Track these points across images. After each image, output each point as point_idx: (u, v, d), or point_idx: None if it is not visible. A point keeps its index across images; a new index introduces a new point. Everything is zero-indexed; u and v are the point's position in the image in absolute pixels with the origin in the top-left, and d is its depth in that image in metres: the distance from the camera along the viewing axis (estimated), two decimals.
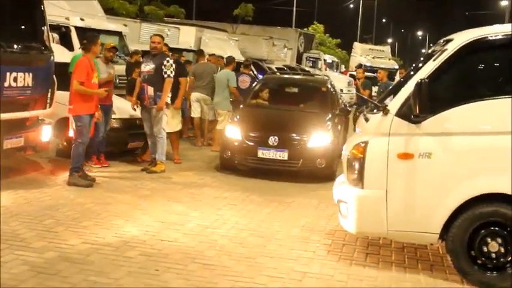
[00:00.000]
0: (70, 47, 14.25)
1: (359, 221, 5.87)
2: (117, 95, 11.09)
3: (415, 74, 5.88)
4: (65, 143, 10.25)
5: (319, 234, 7.10)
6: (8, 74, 8.13)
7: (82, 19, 15.89)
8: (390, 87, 8.17)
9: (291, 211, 8.19)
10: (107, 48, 10.62)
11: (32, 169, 9.55)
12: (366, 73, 18.59)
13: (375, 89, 15.82)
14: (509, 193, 5.41)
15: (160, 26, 22.03)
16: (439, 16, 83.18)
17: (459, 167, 5.57)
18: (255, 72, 19.79)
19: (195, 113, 13.59)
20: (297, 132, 10.44)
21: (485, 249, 5.55)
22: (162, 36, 10.62)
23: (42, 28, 9.19)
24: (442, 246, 6.23)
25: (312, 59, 37.22)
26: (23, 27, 9.35)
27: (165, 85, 9.92)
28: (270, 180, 10.05)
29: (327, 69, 36.30)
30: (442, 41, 6.31)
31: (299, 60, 35.99)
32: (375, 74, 17.22)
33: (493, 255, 5.54)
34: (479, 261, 5.58)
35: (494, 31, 5.93)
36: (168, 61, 10.01)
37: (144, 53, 12.22)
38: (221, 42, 23.05)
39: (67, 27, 15.43)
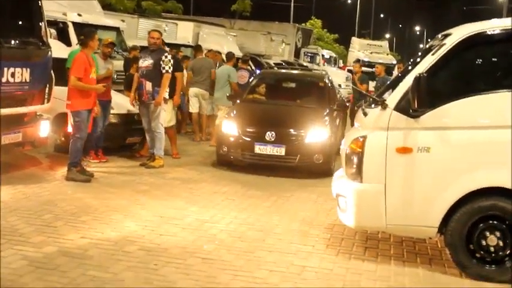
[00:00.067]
0: (68, 43, 14.25)
1: (358, 215, 5.87)
2: (115, 90, 11.07)
3: (413, 68, 5.89)
4: (63, 138, 10.25)
5: (318, 229, 7.11)
6: (5, 69, 8.12)
7: (79, 15, 15.89)
8: (388, 82, 8.17)
9: (290, 205, 8.20)
10: (105, 44, 10.60)
11: (30, 164, 9.54)
12: (364, 68, 18.60)
13: (372, 83, 15.82)
14: (508, 187, 5.43)
15: (158, 21, 22.00)
16: (437, 11, 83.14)
17: (458, 161, 5.57)
18: (253, 68, 19.79)
19: (193, 108, 13.58)
20: (294, 127, 10.36)
21: (483, 242, 5.56)
22: (160, 32, 10.61)
23: (40, 24, 9.16)
24: (440, 240, 6.26)
25: (310, 54, 37.25)
26: (20, 22, 9.33)
27: (164, 80, 9.91)
28: (268, 175, 10.04)
29: (325, 64, 36.34)
30: (440, 35, 6.31)
31: (297, 55, 36.02)
32: (373, 69, 17.19)
33: (492, 249, 5.55)
34: (477, 255, 5.60)
35: (493, 25, 5.93)
36: (166, 56, 10.00)
37: (142, 49, 12.20)
38: (219, 38, 23.05)
39: (64, 23, 15.43)
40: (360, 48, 42.59)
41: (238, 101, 11.71)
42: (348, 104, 14.49)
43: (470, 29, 5.86)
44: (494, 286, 5.49)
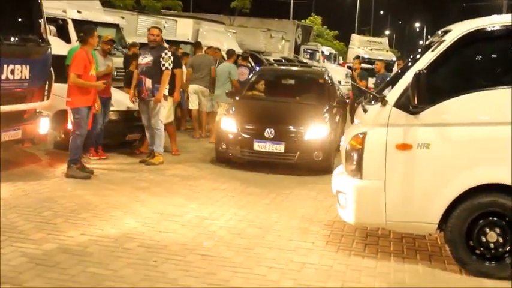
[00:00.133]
0: (67, 40, 14.23)
1: (358, 211, 5.87)
2: (114, 87, 11.07)
3: (413, 64, 5.89)
4: (63, 135, 10.24)
5: (318, 225, 7.11)
6: (5, 66, 8.11)
7: (79, 11, 15.87)
8: (388, 79, 8.16)
9: (289, 202, 8.20)
10: (105, 41, 10.59)
11: (30, 161, 9.54)
12: (364, 65, 18.57)
13: (371, 80, 15.80)
14: (508, 183, 5.42)
15: (157, 18, 21.99)
16: (437, 8, 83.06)
17: (458, 158, 5.57)
18: (253, 65, 19.78)
19: (193, 105, 13.58)
20: (293, 124, 10.31)
21: (483, 239, 5.56)
22: (160, 29, 10.60)
23: (39, 20, 9.15)
24: (440, 236, 6.26)
25: (309, 51, 37.21)
26: (20, 19, 9.32)
27: (164, 77, 9.90)
28: (267, 172, 10.02)
29: (325, 61, 36.28)
30: (440, 32, 6.30)
31: (297, 52, 35.97)
32: (373, 66, 17.16)
33: (492, 245, 5.55)
34: (477, 251, 5.60)
35: (493, 22, 5.92)
36: (166, 53, 10.00)
37: (141, 46, 12.19)
38: (219, 35, 23.01)
39: (64, 20, 15.40)
40: (360, 45, 42.53)
41: (237, 98, 11.67)
42: (347, 101, 14.46)
43: (470, 25, 5.85)
44: (494, 282, 5.49)
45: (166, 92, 10.12)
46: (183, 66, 12.78)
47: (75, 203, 7.33)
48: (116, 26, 17.25)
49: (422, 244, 6.59)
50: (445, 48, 5.70)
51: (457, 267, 5.77)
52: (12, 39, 8.60)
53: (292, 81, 12.82)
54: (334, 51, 41.45)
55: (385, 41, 47.44)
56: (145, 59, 9.97)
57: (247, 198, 8.26)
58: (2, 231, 5.96)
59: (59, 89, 9.35)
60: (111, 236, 6.16)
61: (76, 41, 12.76)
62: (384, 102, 5.75)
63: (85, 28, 9.56)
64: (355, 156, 5.83)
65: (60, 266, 5.23)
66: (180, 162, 10.54)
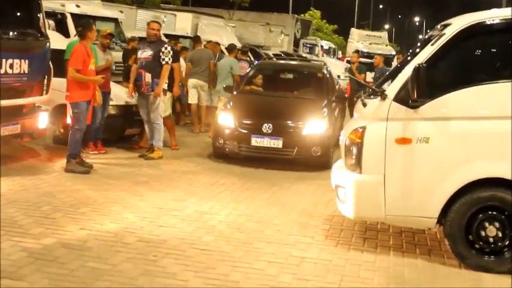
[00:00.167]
0: (66, 34, 14.20)
1: (357, 206, 5.87)
2: (113, 81, 11.05)
3: (413, 58, 5.87)
4: (62, 130, 10.22)
5: (317, 220, 7.11)
6: (4, 60, 8.10)
7: (78, 6, 15.85)
8: (388, 73, 8.15)
9: (289, 197, 8.19)
10: (103, 35, 10.58)
11: (29, 156, 9.52)
12: (363, 59, 18.55)
13: (371, 74, 15.77)
14: (507, 177, 5.42)
15: (156, 12, 21.96)
16: (436, 2, 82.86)
17: (457, 152, 5.57)
18: (252, 59, 19.76)
19: (192, 99, 13.57)
20: (292, 119, 10.20)
21: (483, 233, 5.56)
22: (159, 23, 10.57)
23: (38, 15, 9.14)
24: (440, 230, 6.25)
25: (308, 45, 37.20)
26: (18, 14, 9.31)
27: (163, 72, 9.88)
28: (266, 168, 10.00)
29: (324, 55, 36.27)
30: (440, 25, 6.28)
31: (296, 46, 35.96)
32: (372, 60, 17.14)
33: (491, 240, 5.55)
34: (477, 246, 5.60)
35: (493, 15, 5.90)
36: (166, 48, 9.98)
37: (140, 40, 12.16)
38: (218, 29, 23.00)
39: (63, 14, 15.39)
40: (359, 39, 42.48)
41: (235, 92, 11.60)
42: (346, 95, 14.43)
43: (469, 19, 5.83)
44: (493, 277, 5.49)
45: (165, 86, 10.10)
46: (181, 60, 12.76)
47: (74, 197, 7.33)
48: (115, 20, 17.22)
49: (422, 238, 6.59)
50: (444, 42, 5.69)
51: (457, 261, 5.77)
52: (11, 33, 8.59)
53: (290, 76, 12.69)
54: (333, 46, 41.44)
55: (384, 35, 47.40)
56: (145, 53, 9.95)
57: (246, 193, 8.25)
58: (1, 226, 5.96)
59: (58, 83, 9.33)
60: (110, 231, 6.16)
61: (75, 36, 12.73)
62: (383, 96, 5.74)
63: (84, 22, 9.54)
64: (354, 150, 5.83)
65: (59, 261, 5.24)
66: (179, 156, 10.53)
